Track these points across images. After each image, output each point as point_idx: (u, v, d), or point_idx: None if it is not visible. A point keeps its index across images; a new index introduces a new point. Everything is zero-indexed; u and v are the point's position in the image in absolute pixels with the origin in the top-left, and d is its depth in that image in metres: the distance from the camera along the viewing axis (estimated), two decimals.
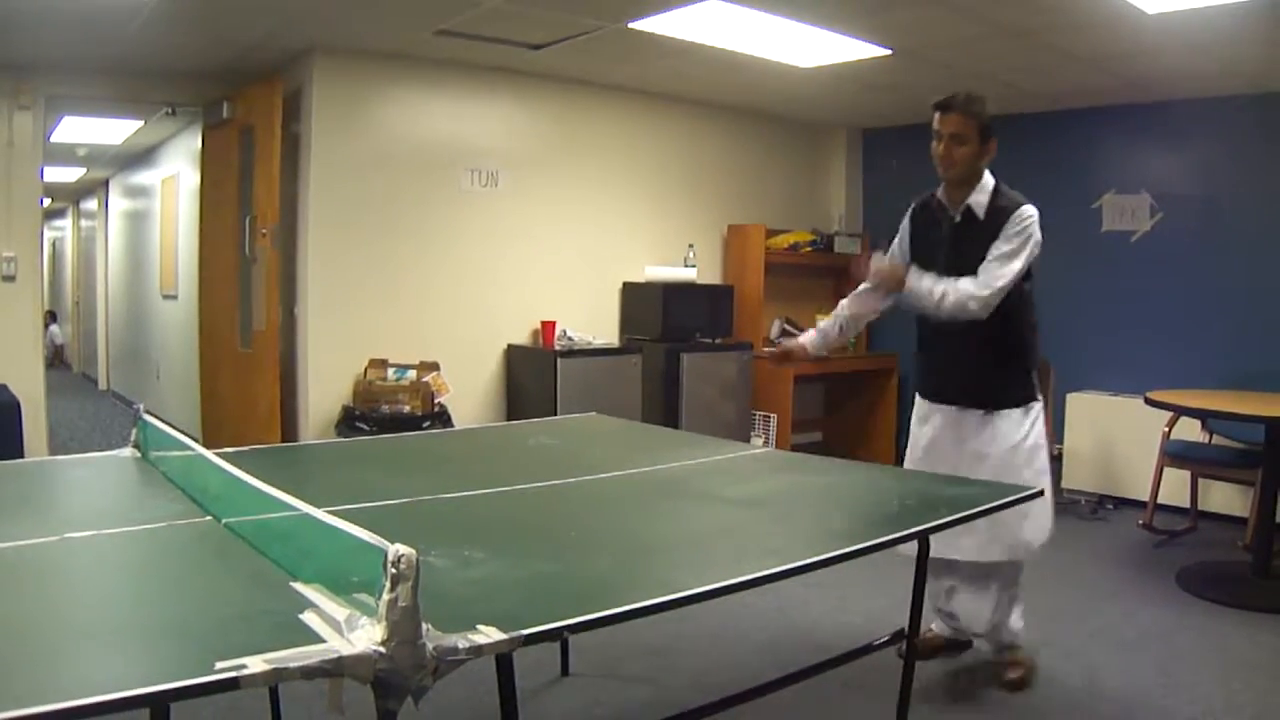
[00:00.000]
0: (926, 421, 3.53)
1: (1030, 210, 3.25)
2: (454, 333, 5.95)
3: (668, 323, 6.37)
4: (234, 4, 4.59)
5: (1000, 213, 3.28)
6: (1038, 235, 3.23)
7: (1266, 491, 4.59)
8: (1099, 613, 4.05)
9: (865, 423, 7.58)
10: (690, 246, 6.90)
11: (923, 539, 2.40)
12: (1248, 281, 5.85)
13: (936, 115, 3.36)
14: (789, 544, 2.18)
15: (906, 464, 3.59)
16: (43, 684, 1.21)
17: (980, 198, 3.33)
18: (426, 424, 5.34)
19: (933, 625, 3.66)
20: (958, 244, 3.34)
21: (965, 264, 3.28)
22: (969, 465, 3.35)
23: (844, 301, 3.70)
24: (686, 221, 7.03)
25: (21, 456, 4.79)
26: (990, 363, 3.35)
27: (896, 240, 3.63)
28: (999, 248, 3.23)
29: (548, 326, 6.12)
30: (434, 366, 5.62)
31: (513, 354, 6.19)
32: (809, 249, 7.32)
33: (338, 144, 5.53)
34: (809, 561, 1.91)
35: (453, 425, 5.48)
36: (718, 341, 6.64)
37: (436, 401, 5.52)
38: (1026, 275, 3.27)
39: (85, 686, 1.16)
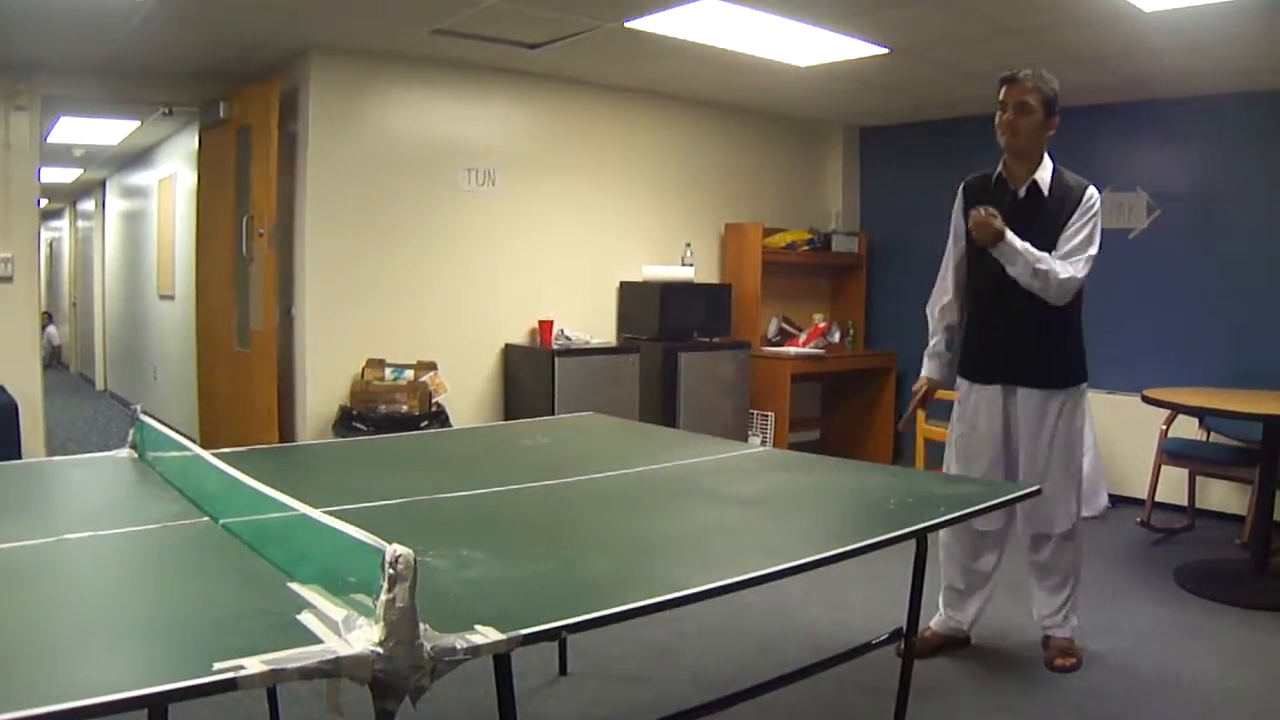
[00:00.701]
0: (973, 404, 3.54)
1: (1096, 192, 3.30)
2: (451, 332, 5.95)
3: (665, 322, 6.37)
4: (230, 4, 4.58)
5: (1066, 191, 3.30)
6: (1101, 219, 3.29)
7: (1264, 489, 4.59)
8: (1097, 611, 4.06)
9: (863, 421, 7.58)
10: (687, 245, 6.90)
11: (921, 538, 2.40)
12: (1245, 279, 5.85)
13: (1003, 88, 3.33)
14: (787, 543, 2.18)
15: (950, 453, 3.64)
16: (40, 685, 1.21)
17: (1044, 174, 3.34)
18: (424, 424, 5.34)
19: (931, 623, 3.67)
20: (1021, 220, 3.31)
21: (1028, 240, 3.27)
22: (1026, 444, 3.40)
23: (934, 314, 3.68)
24: (684, 220, 7.03)
25: (19, 457, 4.78)
26: (1051, 342, 3.37)
27: (953, 221, 3.61)
28: (1078, 230, 3.25)
29: (545, 326, 6.12)
30: (431, 366, 5.62)
31: (510, 353, 6.19)
32: (806, 248, 7.32)
33: (334, 144, 5.53)
34: (807, 560, 1.91)
35: (450, 425, 5.48)
36: (715, 340, 6.64)
37: (434, 401, 5.52)
38: None
39: (83, 688, 1.15)
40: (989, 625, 3.75)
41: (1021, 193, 3.35)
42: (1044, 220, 3.29)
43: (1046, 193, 3.32)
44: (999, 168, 3.44)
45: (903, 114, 7.11)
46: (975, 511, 2.45)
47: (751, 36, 5.09)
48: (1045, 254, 3.24)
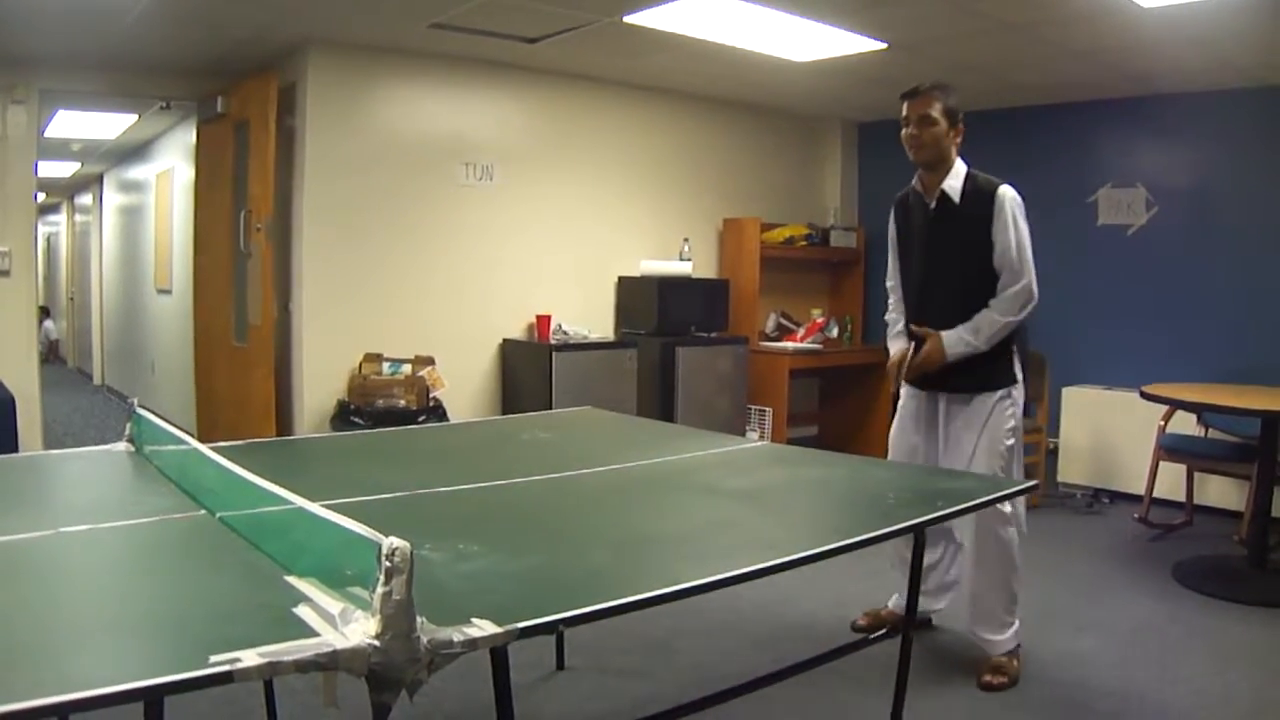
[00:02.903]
0: (907, 408, 3.61)
1: (1010, 191, 3.29)
2: (449, 327, 5.94)
3: (663, 316, 6.37)
4: None
5: (978, 196, 3.31)
6: (1024, 213, 3.28)
7: (1262, 485, 4.60)
8: (1094, 606, 4.06)
9: (861, 416, 7.58)
10: (685, 240, 6.90)
11: (918, 532, 2.40)
12: (1244, 275, 5.85)
13: (905, 103, 3.38)
14: (785, 537, 2.18)
15: (890, 453, 3.66)
16: (37, 678, 1.20)
17: (954, 182, 3.35)
18: (422, 418, 5.34)
19: (889, 603, 3.81)
20: (935, 231, 3.39)
21: (943, 250, 3.35)
22: (949, 451, 3.42)
23: (895, 304, 3.72)
24: (682, 215, 7.03)
25: (16, 451, 4.77)
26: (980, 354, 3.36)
27: (889, 243, 3.69)
28: (1004, 245, 3.26)
29: (543, 320, 6.12)
30: (429, 361, 5.62)
31: (508, 348, 6.19)
32: (804, 243, 7.32)
33: (332, 138, 5.52)
34: (805, 554, 1.91)
35: (448, 419, 5.48)
36: (713, 335, 6.63)
37: (432, 396, 5.52)
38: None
39: (79, 680, 1.15)
40: None
41: (933, 204, 3.40)
42: (959, 227, 3.34)
43: (958, 200, 3.34)
44: (914, 181, 3.49)
45: (901, 109, 7.11)
46: (974, 505, 2.45)
47: (750, 31, 5.09)
48: (988, 317, 3.30)
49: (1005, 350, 3.38)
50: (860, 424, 7.58)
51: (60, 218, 14.87)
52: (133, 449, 2.73)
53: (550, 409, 5.50)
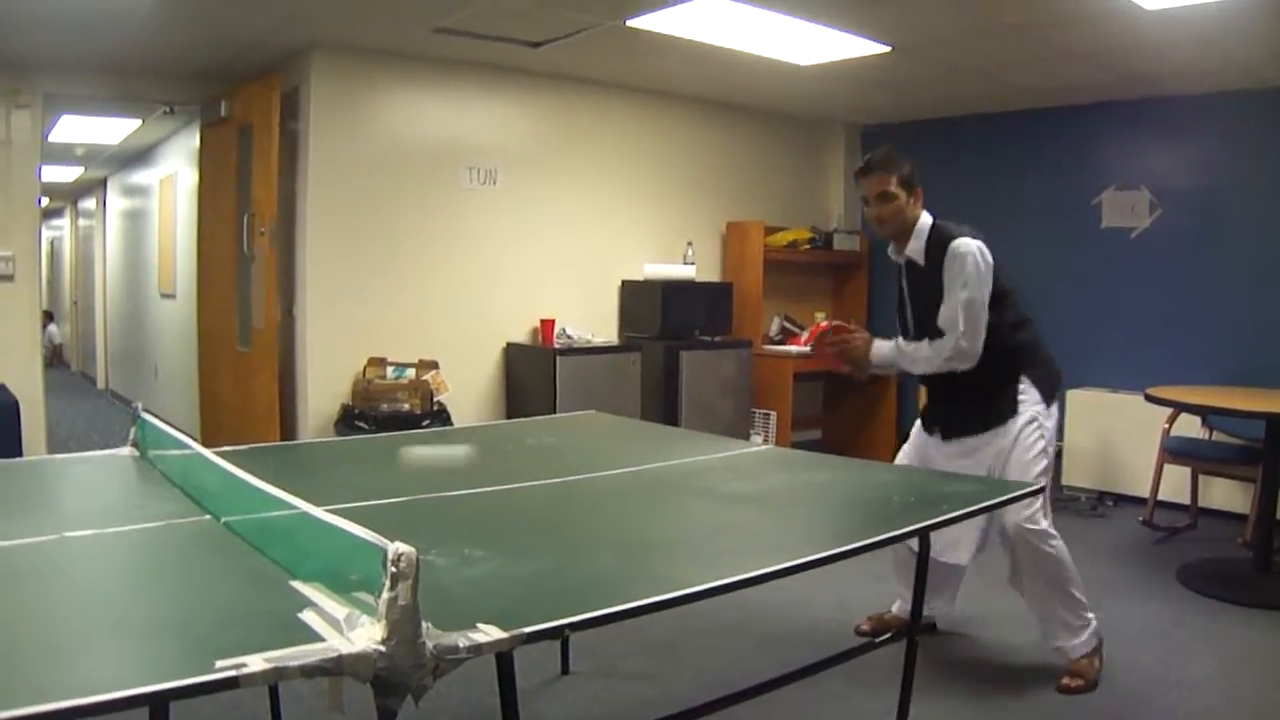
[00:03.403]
0: (913, 442, 3.63)
1: (962, 245, 3.28)
2: (453, 331, 5.94)
3: (667, 320, 6.37)
4: (232, 2, 4.58)
5: (938, 251, 3.34)
6: (978, 265, 3.26)
7: (1267, 488, 4.59)
8: (1099, 609, 4.04)
9: (865, 420, 7.58)
10: (689, 244, 6.90)
11: (923, 535, 2.40)
12: (1248, 277, 5.84)
13: (860, 180, 3.44)
14: (790, 541, 2.18)
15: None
16: (42, 683, 1.20)
17: (917, 244, 3.41)
18: (426, 422, 5.34)
19: (894, 607, 3.81)
20: (913, 290, 3.49)
21: (922, 307, 3.41)
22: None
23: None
24: (685, 219, 7.02)
25: (20, 456, 4.78)
26: (976, 393, 3.37)
27: None
28: (951, 300, 3.28)
29: (547, 325, 6.11)
30: (433, 365, 5.61)
31: (512, 352, 6.19)
32: (808, 246, 7.32)
33: (336, 142, 5.52)
34: (810, 559, 1.91)
35: (452, 424, 5.48)
36: (717, 339, 6.63)
37: (436, 400, 5.52)
38: (994, 297, 3.30)
39: (85, 686, 1.15)
40: (993, 623, 3.75)
41: (903, 264, 3.49)
42: (927, 286, 3.38)
43: (923, 261, 3.38)
44: (890, 247, 3.54)
45: (905, 112, 7.11)
46: (978, 510, 2.45)
47: (753, 35, 5.08)
48: (924, 347, 3.36)
49: (1007, 388, 3.37)
50: (864, 428, 7.58)
51: (64, 222, 14.89)
52: (137, 453, 2.74)
53: (554, 413, 5.51)
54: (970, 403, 3.38)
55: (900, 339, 3.50)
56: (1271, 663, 3.56)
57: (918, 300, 3.45)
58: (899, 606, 3.77)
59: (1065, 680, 3.27)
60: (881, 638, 2.72)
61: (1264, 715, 3.15)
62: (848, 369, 3.76)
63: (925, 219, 3.42)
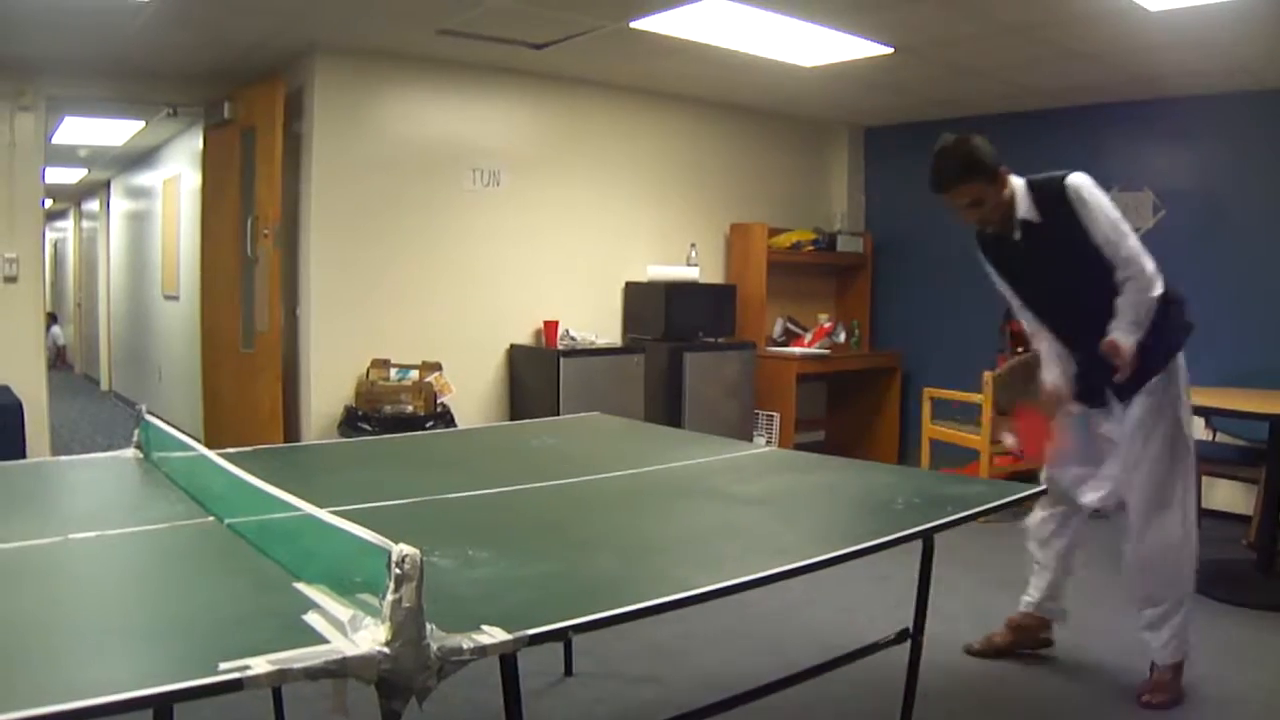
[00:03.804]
0: (1073, 433, 3.39)
1: (1077, 179, 3.10)
2: (457, 333, 5.95)
3: (670, 322, 6.37)
4: (235, 4, 4.59)
5: (1051, 201, 3.13)
6: (1098, 191, 3.09)
7: (1270, 489, 4.58)
8: (1101, 610, 4.04)
9: (868, 422, 7.57)
10: (692, 246, 6.90)
11: (927, 538, 2.39)
12: (1251, 279, 5.83)
13: (944, 198, 3.19)
14: (793, 543, 2.18)
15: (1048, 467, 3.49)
16: (46, 685, 1.21)
17: (1025, 207, 3.17)
18: (429, 424, 5.34)
19: (1024, 599, 3.63)
20: (1033, 255, 3.21)
21: (1052, 270, 3.19)
22: (1135, 451, 3.24)
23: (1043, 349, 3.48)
24: (689, 220, 7.03)
25: (24, 457, 4.78)
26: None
27: (991, 275, 3.46)
28: (1104, 235, 3.07)
29: (550, 326, 6.11)
30: (436, 367, 5.62)
31: (515, 354, 6.19)
32: (811, 248, 7.31)
33: (340, 144, 5.53)
34: (814, 561, 1.91)
35: (455, 425, 5.48)
36: (720, 341, 6.63)
37: (439, 402, 5.52)
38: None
39: (88, 687, 1.15)
40: (994, 623, 3.75)
41: (1018, 235, 3.22)
42: (1053, 242, 3.16)
43: (1039, 219, 3.17)
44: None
45: (908, 113, 7.11)
46: (981, 511, 2.44)
47: (757, 36, 5.09)
48: (1128, 300, 3.09)
49: (1156, 329, 3.17)
50: (868, 429, 7.57)
51: (67, 224, 14.91)
52: (141, 455, 2.74)
53: (558, 415, 5.51)
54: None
55: (1122, 311, 3.10)
56: (1275, 664, 3.55)
57: (1044, 266, 3.20)
58: (1026, 602, 3.62)
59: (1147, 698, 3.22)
60: (887, 641, 2.70)
61: (1268, 716, 3.14)
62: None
63: (1018, 184, 3.20)
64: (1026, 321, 3.44)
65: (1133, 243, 3.09)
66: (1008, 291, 3.43)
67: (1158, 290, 3.11)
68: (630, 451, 3.28)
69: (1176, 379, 3.28)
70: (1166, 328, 3.21)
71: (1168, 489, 3.22)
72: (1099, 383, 3.24)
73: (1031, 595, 3.59)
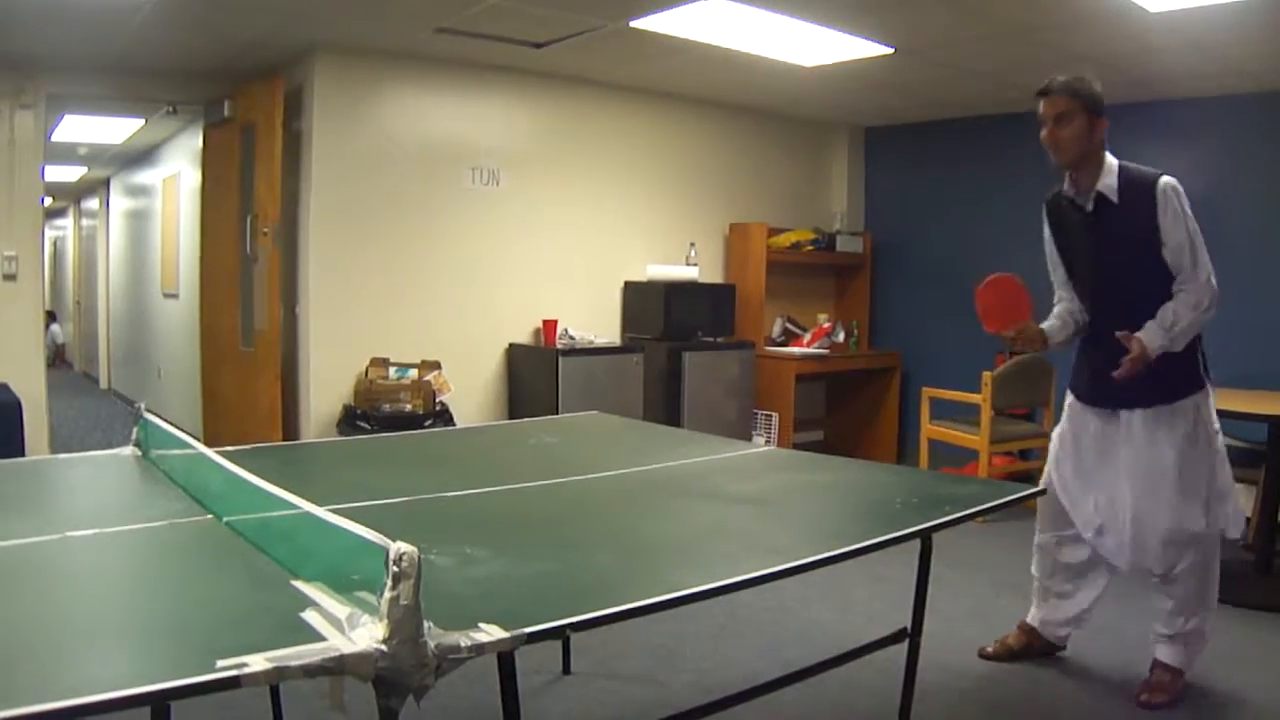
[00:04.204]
0: (1078, 432, 3.36)
1: (1171, 182, 3.07)
2: (455, 331, 5.95)
3: (669, 321, 6.37)
4: (235, 3, 4.58)
5: (1137, 190, 3.09)
6: (1187, 207, 3.06)
7: (1269, 490, 4.59)
8: (1100, 611, 4.04)
9: (867, 421, 7.58)
10: (692, 245, 6.90)
11: (925, 538, 2.40)
12: (1250, 280, 5.83)
13: (1041, 102, 3.14)
14: (791, 543, 2.18)
15: (1049, 470, 3.44)
16: (44, 682, 1.21)
17: (1109, 180, 3.12)
18: (428, 423, 5.34)
19: (1028, 616, 3.60)
20: (1098, 233, 3.16)
21: (1110, 254, 3.13)
22: (1143, 471, 3.15)
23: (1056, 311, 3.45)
24: (688, 220, 7.03)
25: (23, 455, 4.79)
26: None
27: (1047, 248, 3.43)
28: (1178, 241, 3.03)
29: (549, 325, 6.11)
30: (435, 365, 5.62)
31: (514, 353, 6.19)
32: (811, 248, 7.31)
33: (339, 142, 5.53)
34: (811, 560, 1.91)
35: (454, 424, 5.48)
36: (719, 340, 6.63)
37: (438, 400, 5.52)
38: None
39: (86, 685, 1.15)
40: (1000, 626, 3.75)
41: (1089, 206, 3.17)
42: (1122, 228, 3.11)
43: (1117, 199, 3.12)
44: (1065, 184, 3.26)
45: (908, 114, 7.10)
46: (979, 511, 2.45)
47: (757, 36, 5.09)
48: (1175, 308, 3.03)
49: (1193, 351, 3.14)
50: (866, 429, 7.58)
51: (67, 222, 14.91)
52: (139, 453, 2.74)
53: (556, 414, 5.51)
54: (1161, 366, 3.02)
55: (1163, 314, 3.03)
56: (1274, 664, 3.55)
57: (1105, 247, 3.15)
58: (1031, 615, 3.59)
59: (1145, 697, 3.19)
60: (885, 641, 2.70)
61: (1267, 716, 3.14)
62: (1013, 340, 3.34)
63: (1111, 160, 3.15)
64: (1060, 302, 3.40)
65: (1205, 258, 3.06)
66: (1057, 262, 3.38)
67: (1208, 310, 3.04)
68: (629, 451, 3.28)
69: (1206, 417, 3.16)
70: (1197, 360, 3.16)
71: (1192, 491, 3.13)
72: (1108, 380, 3.12)
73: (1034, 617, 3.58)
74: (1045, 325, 3.37)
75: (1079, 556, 3.42)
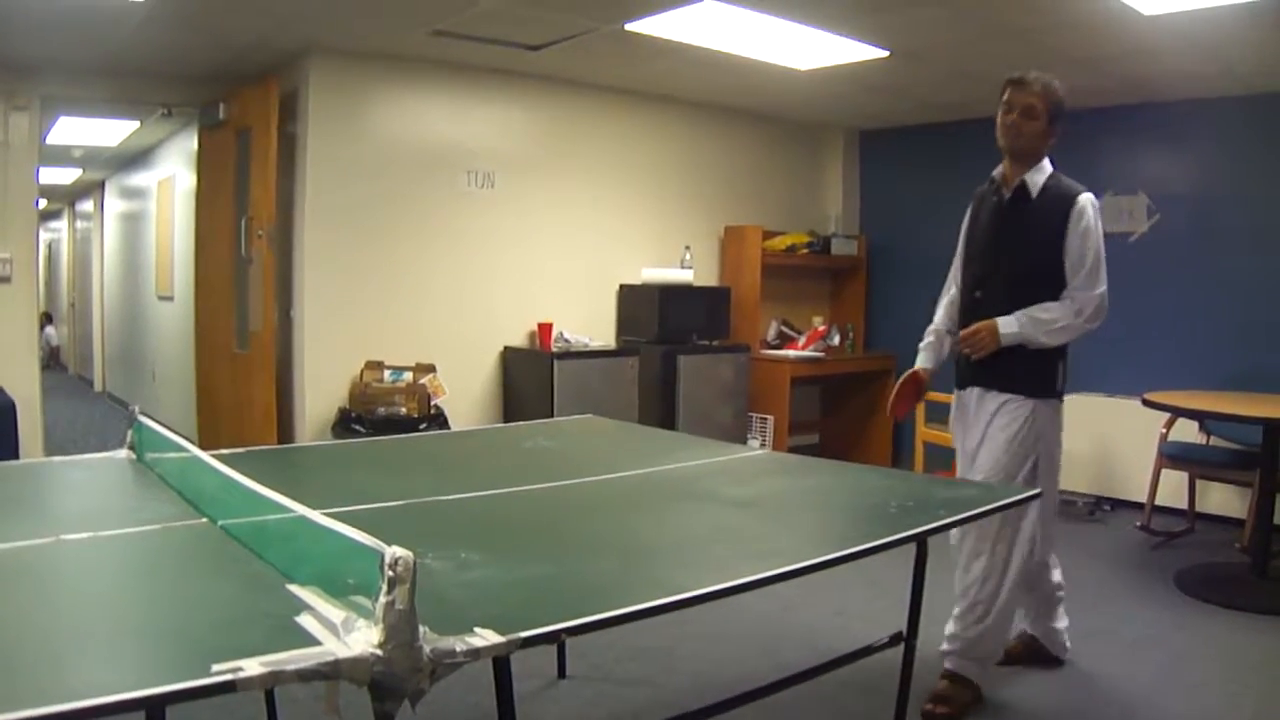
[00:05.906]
0: (954, 411, 3.48)
1: (1090, 201, 3.17)
2: (451, 335, 5.94)
3: (665, 324, 6.37)
4: (230, 5, 4.58)
5: (1057, 197, 3.19)
6: (1100, 228, 3.16)
7: (1264, 492, 4.59)
8: (1096, 615, 4.05)
9: (862, 425, 7.58)
10: (687, 248, 6.90)
11: (921, 541, 2.39)
12: (1245, 282, 5.85)
13: (1009, 89, 3.25)
14: (787, 546, 2.18)
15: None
16: (38, 687, 1.20)
17: (1037, 177, 3.24)
18: (423, 426, 5.33)
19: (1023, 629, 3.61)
20: (1004, 222, 3.27)
21: (1009, 244, 3.23)
22: (979, 451, 3.28)
23: (938, 314, 3.59)
24: (683, 223, 7.03)
25: (17, 458, 4.77)
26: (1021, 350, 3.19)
27: (959, 245, 3.54)
28: (1080, 256, 3.14)
29: (544, 328, 6.11)
30: (430, 368, 5.61)
31: (509, 356, 6.19)
32: (806, 251, 7.32)
33: (334, 145, 5.53)
34: (807, 564, 1.90)
35: (449, 427, 5.48)
36: (715, 343, 6.63)
37: (433, 404, 5.51)
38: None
39: (80, 689, 1.15)
40: None
41: (1008, 194, 3.28)
42: (1028, 223, 3.21)
43: (1035, 195, 3.23)
44: (995, 172, 3.37)
45: (903, 117, 7.11)
46: (974, 514, 2.45)
47: (752, 39, 5.09)
48: (1053, 307, 3.15)
49: (1052, 361, 3.24)
50: (861, 432, 7.58)
51: (61, 224, 14.88)
52: (134, 456, 2.73)
53: (552, 417, 5.50)
54: (1013, 355, 3.19)
55: (1039, 307, 3.16)
56: (1270, 667, 3.56)
57: (1007, 236, 3.25)
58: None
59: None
60: (881, 644, 2.70)
61: None
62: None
63: (1047, 163, 3.28)
64: (941, 307, 3.57)
65: (1103, 277, 3.18)
66: (955, 266, 3.52)
67: (1089, 321, 3.16)
68: (624, 454, 3.28)
69: (1042, 429, 3.27)
70: (1054, 370, 3.26)
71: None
72: (966, 359, 3.31)
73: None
74: (919, 363, 3.54)
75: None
